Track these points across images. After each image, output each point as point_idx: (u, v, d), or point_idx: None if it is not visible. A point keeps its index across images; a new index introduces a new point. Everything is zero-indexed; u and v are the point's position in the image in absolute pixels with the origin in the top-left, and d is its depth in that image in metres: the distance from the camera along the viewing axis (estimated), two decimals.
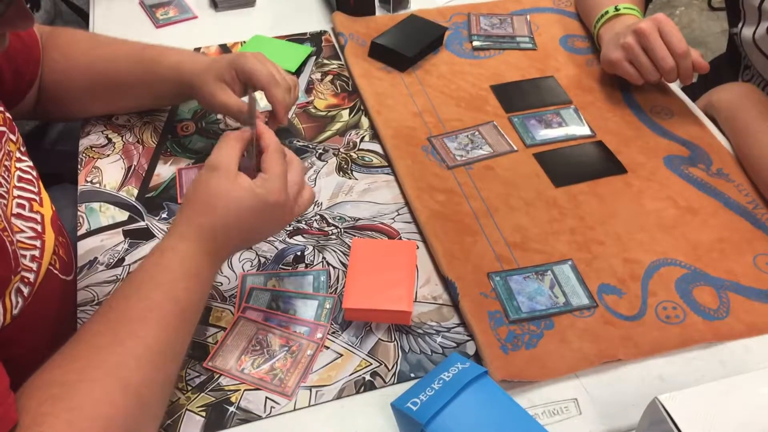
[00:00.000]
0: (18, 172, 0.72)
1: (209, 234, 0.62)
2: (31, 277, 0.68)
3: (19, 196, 0.71)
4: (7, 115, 0.73)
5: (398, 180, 0.86)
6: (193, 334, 0.63)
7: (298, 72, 1.03)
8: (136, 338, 0.56)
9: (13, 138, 0.73)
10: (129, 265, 0.77)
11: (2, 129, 0.71)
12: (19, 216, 0.69)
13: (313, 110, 0.97)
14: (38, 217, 0.72)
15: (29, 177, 0.74)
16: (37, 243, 0.70)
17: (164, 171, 0.88)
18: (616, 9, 0.99)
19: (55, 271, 0.73)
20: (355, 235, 0.80)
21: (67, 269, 0.76)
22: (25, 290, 0.67)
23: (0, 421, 0.48)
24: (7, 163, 0.70)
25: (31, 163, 0.75)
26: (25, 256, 0.67)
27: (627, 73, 0.94)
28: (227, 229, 0.62)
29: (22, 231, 0.69)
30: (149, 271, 0.60)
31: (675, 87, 1.00)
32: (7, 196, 0.68)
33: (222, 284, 0.74)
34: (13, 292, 0.65)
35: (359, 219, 0.82)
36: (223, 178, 0.62)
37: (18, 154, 0.74)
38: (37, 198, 0.74)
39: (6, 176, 0.69)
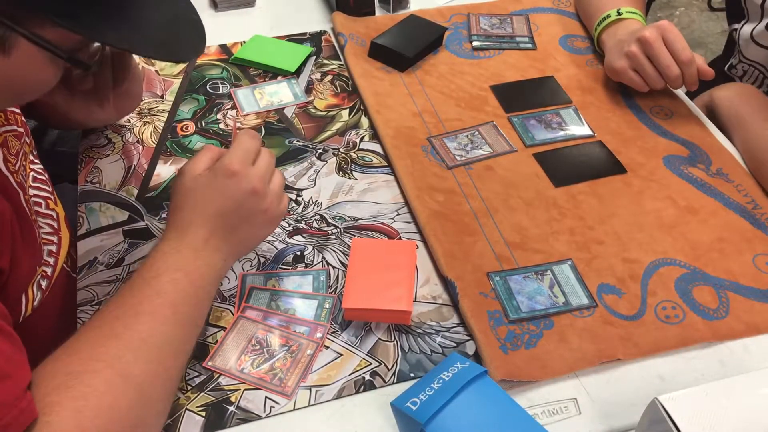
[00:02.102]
0: (32, 173, 0.75)
1: (187, 227, 0.64)
2: (49, 271, 0.71)
3: (35, 195, 0.73)
4: (23, 118, 0.75)
5: (398, 180, 0.86)
6: (196, 331, 0.63)
7: (298, 72, 1.03)
8: (131, 331, 0.57)
9: (28, 140, 0.75)
10: (129, 265, 0.77)
11: (21, 130, 0.73)
12: (36, 213, 0.71)
13: (312, 110, 0.97)
14: (54, 214, 0.75)
15: (42, 178, 0.76)
16: (54, 239, 0.73)
17: (164, 171, 0.88)
18: (618, 13, 0.99)
19: (67, 269, 0.76)
20: (354, 235, 0.80)
21: (76, 268, 0.78)
22: (44, 284, 0.70)
23: (21, 414, 0.50)
24: (24, 162, 0.73)
25: (41, 166, 0.78)
26: (43, 251, 0.69)
27: (632, 82, 0.93)
28: (202, 217, 0.64)
29: (41, 227, 0.71)
30: (139, 272, 0.62)
31: None
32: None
33: (222, 284, 0.74)
34: (35, 284, 0.67)
35: (359, 219, 0.82)
36: (186, 176, 0.65)
37: (31, 157, 0.76)
38: (52, 197, 0.76)
39: (23, 175, 0.71)
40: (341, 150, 0.91)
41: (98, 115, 0.82)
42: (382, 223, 0.81)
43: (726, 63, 1.16)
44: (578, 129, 0.93)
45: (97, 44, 0.65)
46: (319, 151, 0.91)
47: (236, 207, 0.65)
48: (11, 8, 0.50)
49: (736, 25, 1.08)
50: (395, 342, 0.69)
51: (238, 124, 0.95)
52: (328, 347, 0.69)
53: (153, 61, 1.05)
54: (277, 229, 0.80)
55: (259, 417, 0.64)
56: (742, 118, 0.90)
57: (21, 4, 0.50)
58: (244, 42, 1.08)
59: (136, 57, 0.83)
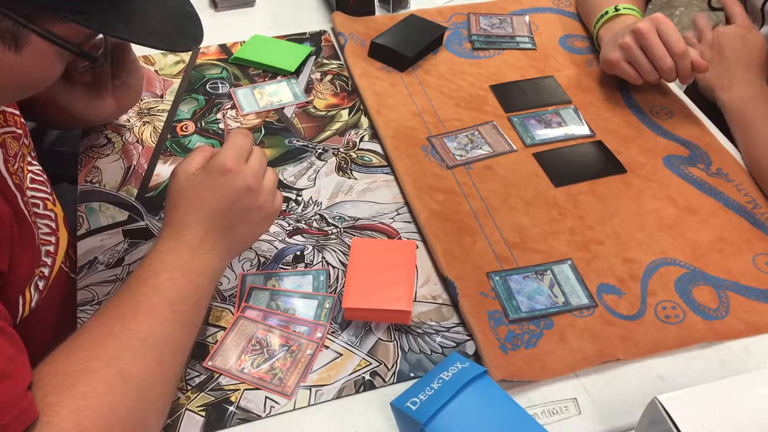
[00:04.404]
0: (30, 175, 0.75)
1: (182, 226, 0.64)
2: (47, 271, 0.70)
3: (33, 196, 0.73)
4: (22, 120, 0.75)
5: (398, 180, 0.86)
6: (194, 330, 0.63)
7: (297, 72, 1.03)
8: (130, 331, 0.57)
9: (26, 142, 0.75)
10: (129, 264, 0.77)
11: (19, 132, 0.73)
12: (34, 214, 0.71)
13: (312, 110, 0.97)
14: (52, 215, 0.75)
15: (41, 179, 0.76)
16: (52, 239, 0.73)
17: (164, 171, 0.88)
18: (616, 9, 0.99)
19: (66, 269, 0.76)
20: (354, 235, 0.80)
21: (75, 268, 0.77)
22: (41, 284, 0.69)
23: (22, 414, 0.50)
24: (21, 164, 0.73)
25: (40, 167, 0.78)
26: (41, 251, 0.69)
27: (626, 74, 0.94)
28: (197, 216, 0.64)
29: (39, 228, 0.71)
30: (137, 272, 0.62)
31: (674, 87, 1.00)
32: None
33: (222, 284, 0.74)
34: (32, 285, 0.67)
35: (359, 219, 0.82)
36: (180, 175, 0.66)
37: (29, 158, 0.76)
38: (50, 198, 0.76)
39: (21, 176, 0.71)
40: (341, 150, 0.91)
41: (99, 107, 0.82)
42: (382, 223, 0.81)
43: None
44: (578, 129, 0.93)
45: (99, 36, 0.65)
46: (319, 150, 0.91)
47: (231, 204, 0.65)
48: (24, 6, 0.51)
49: None
50: (395, 342, 0.69)
51: (237, 124, 0.95)
52: (328, 347, 0.69)
53: (153, 60, 1.05)
54: (277, 229, 0.80)
55: (259, 417, 0.63)
56: (748, 121, 0.89)
57: (34, 2, 0.51)
58: (244, 42, 1.08)
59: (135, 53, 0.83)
